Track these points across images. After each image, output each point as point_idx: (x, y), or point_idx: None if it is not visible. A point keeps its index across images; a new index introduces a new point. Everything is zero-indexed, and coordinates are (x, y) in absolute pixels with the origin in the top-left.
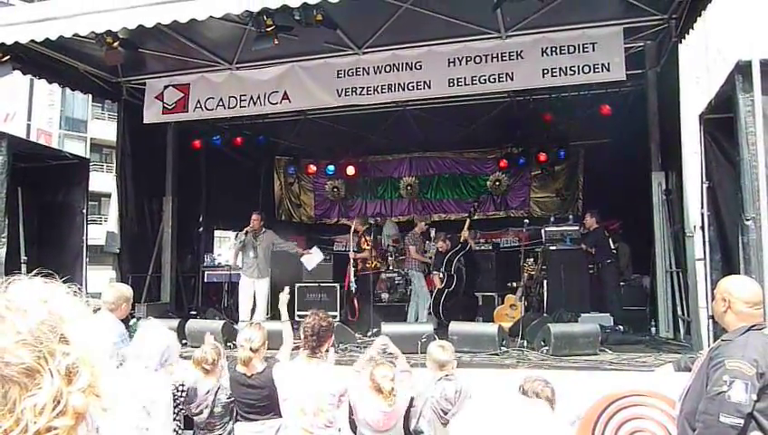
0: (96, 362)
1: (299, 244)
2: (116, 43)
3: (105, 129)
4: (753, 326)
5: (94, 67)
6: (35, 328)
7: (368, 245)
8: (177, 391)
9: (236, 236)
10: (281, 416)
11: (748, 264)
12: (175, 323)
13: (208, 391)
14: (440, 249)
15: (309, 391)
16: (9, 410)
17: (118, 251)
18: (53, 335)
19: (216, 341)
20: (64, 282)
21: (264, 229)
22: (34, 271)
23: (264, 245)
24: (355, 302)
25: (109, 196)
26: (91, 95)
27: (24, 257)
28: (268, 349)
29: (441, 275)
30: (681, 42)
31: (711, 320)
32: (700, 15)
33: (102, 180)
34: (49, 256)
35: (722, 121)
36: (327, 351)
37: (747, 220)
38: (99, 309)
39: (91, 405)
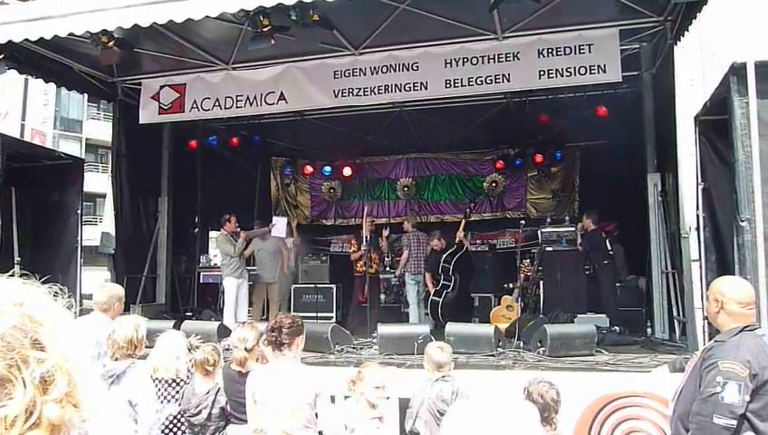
0: (74, 370)
1: (295, 243)
2: (111, 43)
3: (100, 129)
4: (746, 327)
5: (90, 67)
6: (7, 333)
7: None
8: (164, 384)
9: (230, 240)
10: None
11: (743, 264)
12: (170, 324)
13: (208, 392)
14: (435, 248)
15: (285, 391)
16: None
17: (113, 252)
18: (27, 341)
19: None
20: (45, 282)
21: (238, 229)
22: (18, 272)
23: (244, 244)
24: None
25: (104, 196)
26: (86, 95)
27: (17, 258)
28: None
29: (437, 276)
30: (676, 44)
31: (706, 321)
32: (695, 18)
33: (98, 181)
34: (43, 257)
35: (717, 123)
36: (297, 347)
37: (742, 221)
38: (91, 310)
39: (68, 416)
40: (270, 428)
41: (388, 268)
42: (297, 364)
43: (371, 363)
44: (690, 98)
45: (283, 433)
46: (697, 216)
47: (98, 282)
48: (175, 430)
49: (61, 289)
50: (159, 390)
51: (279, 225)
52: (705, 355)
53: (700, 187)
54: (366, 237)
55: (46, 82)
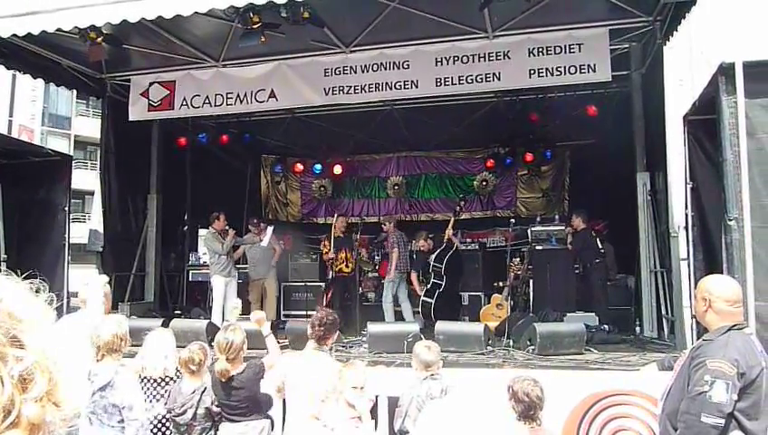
0: (54, 368)
1: (286, 243)
2: (100, 39)
3: (90, 125)
4: (734, 326)
5: (78, 63)
6: None
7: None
8: (152, 383)
9: (218, 238)
10: (264, 417)
11: (731, 263)
12: (158, 322)
13: (194, 391)
14: (422, 249)
15: (317, 379)
16: None
17: (101, 249)
18: (5, 338)
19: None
20: (26, 278)
21: (227, 227)
22: (3, 269)
23: (233, 243)
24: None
25: (92, 193)
26: (74, 91)
27: (3, 256)
28: (248, 348)
29: (427, 275)
30: (665, 44)
31: (694, 319)
32: (684, 18)
33: (86, 178)
34: (30, 255)
35: (705, 123)
36: (331, 348)
37: (730, 220)
38: (78, 308)
39: (48, 415)
40: (298, 412)
41: (377, 267)
42: (330, 357)
43: (354, 363)
44: (679, 97)
45: (311, 418)
46: (686, 215)
47: (85, 280)
48: (163, 429)
49: (42, 285)
50: (147, 389)
51: (267, 236)
52: (693, 354)
53: (689, 186)
54: (330, 239)
55: (34, 78)
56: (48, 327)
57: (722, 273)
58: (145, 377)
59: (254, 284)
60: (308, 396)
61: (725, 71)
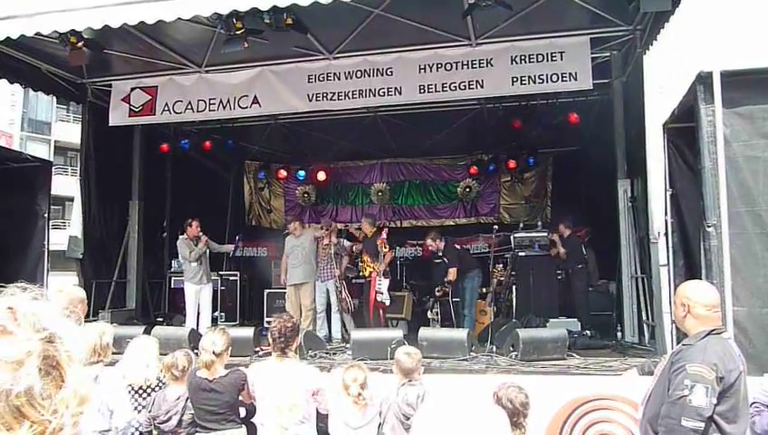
0: (78, 406)
1: (269, 249)
2: (80, 44)
3: (70, 131)
4: (712, 331)
5: (58, 68)
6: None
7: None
8: (136, 392)
9: (189, 245)
10: (239, 426)
11: (709, 269)
12: (140, 330)
13: (179, 398)
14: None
15: (283, 388)
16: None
17: (81, 256)
18: (60, 379)
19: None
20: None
21: (201, 234)
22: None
23: (203, 250)
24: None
25: (73, 200)
26: (55, 96)
27: None
28: (231, 356)
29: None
30: (645, 52)
31: (674, 324)
32: (663, 27)
33: (67, 184)
34: (9, 262)
35: (684, 131)
36: (295, 351)
37: (708, 227)
38: None
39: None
40: (267, 423)
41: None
42: (297, 363)
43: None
44: (659, 105)
45: (279, 428)
46: (666, 221)
47: (65, 287)
48: None
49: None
50: (129, 398)
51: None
52: (673, 359)
53: (668, 193)
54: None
55: (11, 84)
56: (80, 365)
57: (701, 278)
58: (127, 385)
59: (290, 289)
60: (274, 406)
61: (703, 80)
